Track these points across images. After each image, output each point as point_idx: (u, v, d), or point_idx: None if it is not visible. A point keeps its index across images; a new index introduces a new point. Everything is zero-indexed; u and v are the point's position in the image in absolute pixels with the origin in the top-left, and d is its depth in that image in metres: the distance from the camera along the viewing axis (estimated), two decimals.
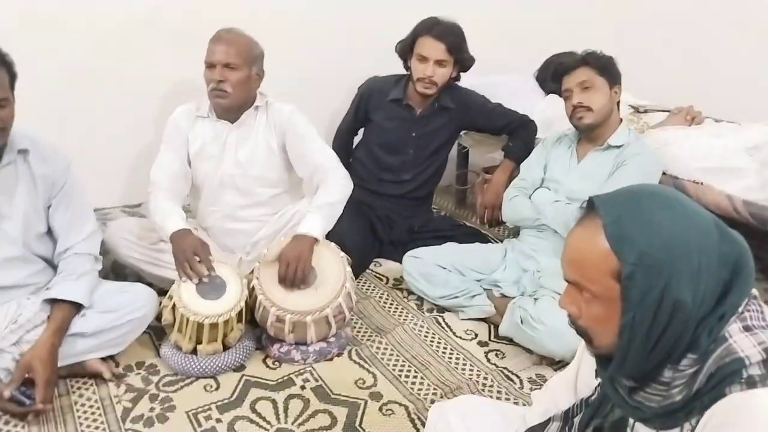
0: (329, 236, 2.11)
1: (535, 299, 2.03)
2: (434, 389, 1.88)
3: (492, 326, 2.21)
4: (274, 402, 1.80)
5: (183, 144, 2.18)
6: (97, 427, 1.69)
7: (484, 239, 2.64)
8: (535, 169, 2.30)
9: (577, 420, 1.08)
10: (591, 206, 0.91)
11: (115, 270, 2.22)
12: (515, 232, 2.48)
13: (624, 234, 0.85)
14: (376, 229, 2.66)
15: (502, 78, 2.97)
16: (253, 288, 1.98)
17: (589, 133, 2.17)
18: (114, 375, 1.86)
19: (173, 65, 2.63)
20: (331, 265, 2.05)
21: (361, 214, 2.58)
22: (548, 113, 2.76)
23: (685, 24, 3.38)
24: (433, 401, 1.80)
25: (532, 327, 1.93)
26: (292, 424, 1.72)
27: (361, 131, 2.82)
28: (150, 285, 2.00)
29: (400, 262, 2.39)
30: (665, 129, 2.44)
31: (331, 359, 2.00)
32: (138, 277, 2.16)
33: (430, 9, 2.55)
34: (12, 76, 1.64)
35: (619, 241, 0.85)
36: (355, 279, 2.28)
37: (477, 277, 2.26)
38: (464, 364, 2.01)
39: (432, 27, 2.49)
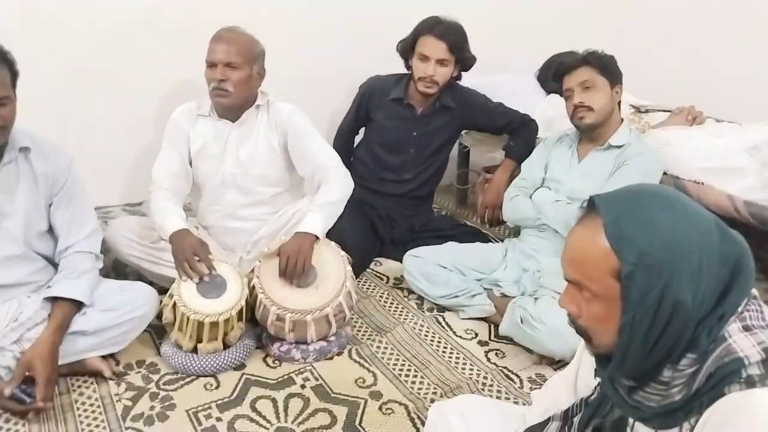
0: (330, 235, 2.12)
1: (536, 299, 2.04)
2: (434, 388, 1.88)
3: (492, 326, 2.21)
4: (274, 401, 1.80)
5: (184, 143, 2.18)
6: (97, 426, 1.69)
7: (485, 239, 2.64)
8: (536, 169, 2.30)
9: (576, 419, 1.08)
10: (592, 206, 0.91)
11: (116, 268, 2.23)
12: (516, 232, 2.48)
13: (624, 233, 0.85)
14: (377, 228, 2.66)
15: (503, 78, 2.97)
16: (254, 287, 1.98)
17: (590, 133, 2.17)
18: (114, 373, 1.86)
19: (173, 65, 2.63)
20: (332, 264, 2.05)
21: (361, 213, 2.58)
22: (549, 113, 2.76)
23: (685, 24, 3.38)
24: (433, 400, 1.80)
25: (532, 326, 1.93)
26: (292, 422, 1.72)
27: (362, 130, 2.82)
28: (151, 283, 2.00)
29: (401, 262, 2.38)
30: (666, 129, 2.44)
31: (332, 358, 2.01)
32: (139, 275, 2.16)
33: (430, 9, 2.55)
34: (13, 75, 1.65)
35: (620, 241, 0.85)
36: (356, 278, 2.28)
37: (477, 276, 2.26)
38: (464, 364, 2.01)
39: (434, 26, 2.49)
